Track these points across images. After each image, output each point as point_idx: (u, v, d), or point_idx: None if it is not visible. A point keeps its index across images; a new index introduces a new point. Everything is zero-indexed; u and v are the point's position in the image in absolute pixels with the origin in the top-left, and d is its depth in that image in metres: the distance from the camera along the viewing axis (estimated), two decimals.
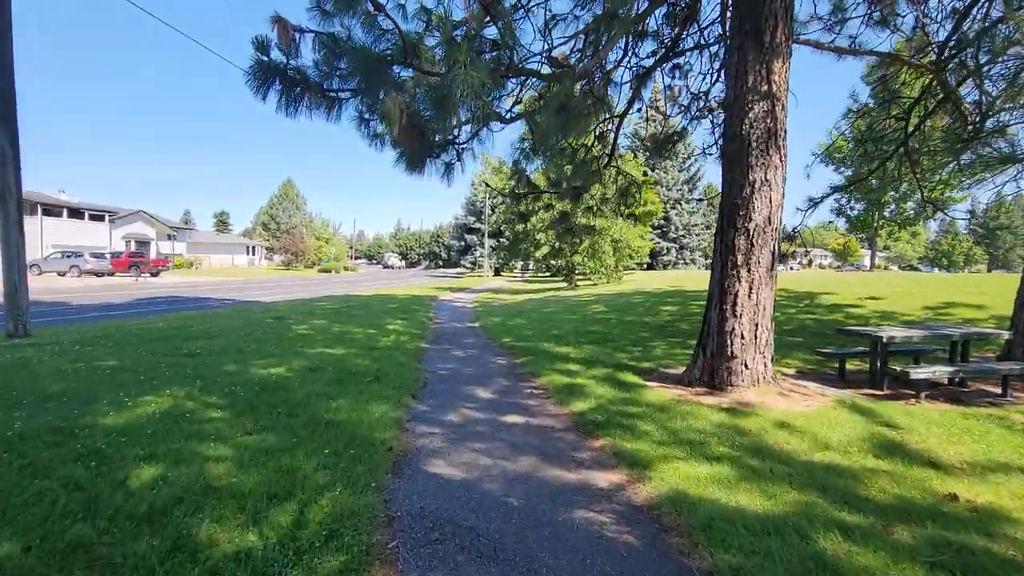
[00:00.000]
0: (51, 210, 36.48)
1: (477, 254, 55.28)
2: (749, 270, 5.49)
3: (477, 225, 56.04)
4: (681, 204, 44.85)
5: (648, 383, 5.96)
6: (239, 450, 3.34)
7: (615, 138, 7.84)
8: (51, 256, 31.80)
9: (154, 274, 36.05)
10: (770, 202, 5.47)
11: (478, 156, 5.61)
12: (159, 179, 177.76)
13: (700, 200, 40.54)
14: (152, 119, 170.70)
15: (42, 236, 34.05)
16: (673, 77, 9.28)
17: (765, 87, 5.44)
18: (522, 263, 64.69)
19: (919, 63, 8.47)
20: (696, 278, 27.07)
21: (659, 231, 43.09)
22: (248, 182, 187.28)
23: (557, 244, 21.78)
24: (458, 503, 2.90)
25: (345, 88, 4.53)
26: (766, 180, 5.44)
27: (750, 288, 5.50)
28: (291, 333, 8.96)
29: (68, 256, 31.58)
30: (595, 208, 8.42)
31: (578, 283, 24.35)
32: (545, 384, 5.88)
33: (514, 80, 5.44)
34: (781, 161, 5.54)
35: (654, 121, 10.25)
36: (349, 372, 5.92)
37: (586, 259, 21.60)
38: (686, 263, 47.26)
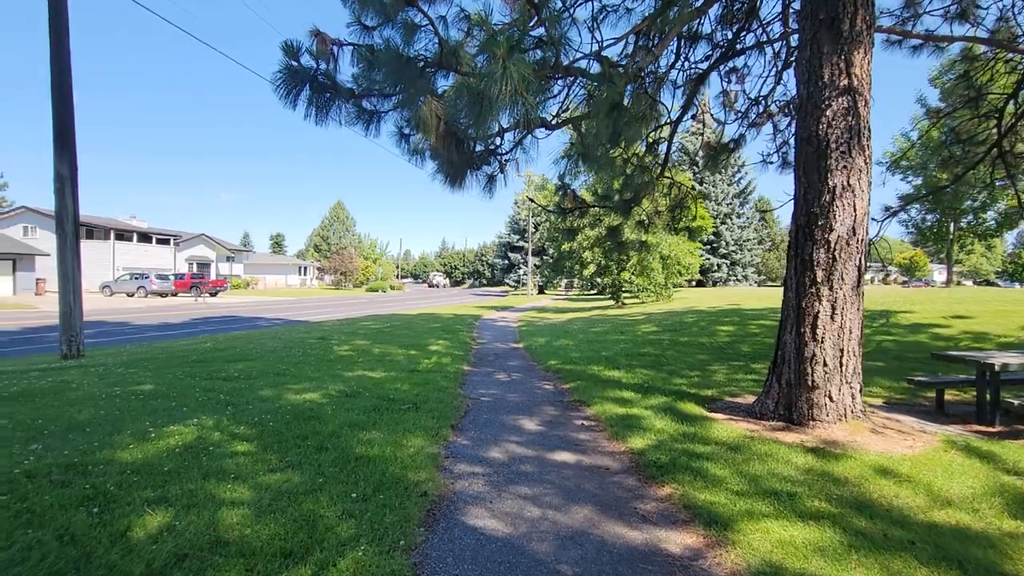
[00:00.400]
0: (123, 234, 39.02)
1: (521, 272, 55.07)
2: (831, 288, 4.81)
3: (520, 243, 55.96)
4: (732, 219, 43.14)
5: (713, 415, 5.32)
6: (259, 492, 3.00)
7: (668, 146, 7.31)
8: (121, 278, 33.86)
9: (213, 294, 37.74)
10: (854, 210, 4.80)
11: (522, 167, 5.24)
12: (220, 203, 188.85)
13: (763, 213, 38.78)
14: (214, 150, 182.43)
15: (114, 259, 36.38)
16: (729, 81, 8.71)
17: (845, 81, 4.82)
18: (566, 281, 64.02)
19: (1016, 47, 7.53)
20: (752, 295, 25.69)
21: (709, 247, 41.55)
22: (303, 205, 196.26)
23: (604, 261, 21.13)
24: (501, 570, 2.43)
25: (381, 94, 4.27)
26: (848, 185, 4.79)
27: (833, 308, 4.81)
28: (332, 355, 8.79)
29: (136, 278, 33.52)
30: (646, 222, 7.86)
31: (625, 301, 23.53)
32: (597, 415, 5.34)
33: (560, 82, 5.06)
34: (866, 163, 4.88)
35: (708, 128, 9.65)
36: (387, 399, 5.58)
37: (634, 276, 20.82)
38: (738, 280, 45.26)
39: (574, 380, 7.21)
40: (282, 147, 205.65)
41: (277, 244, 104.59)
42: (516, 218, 58.12)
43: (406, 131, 6.04)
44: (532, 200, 8.44)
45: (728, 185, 42.83)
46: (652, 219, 8.04)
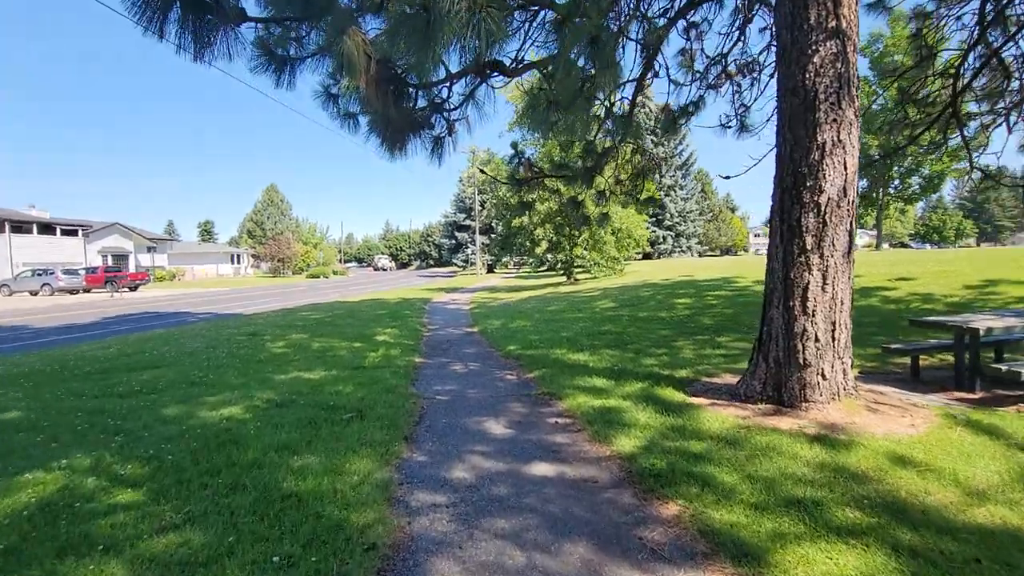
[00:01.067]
0: (20, 226, 34.78)
1: (468, 252, 54.06)
2: (822, 255, 4.36)
3: (468, 222, 54.80)
4: (675, 191, 43.83)
5: (696, 400, 4.84)
6: (137, 569, 2.16)
7: (631, 107, 6.68)
8: (21, 275, 30.23)
9: (132, 288, 34.48)
10: (845, 168, 4.34)
11: (475, 129, 4.44)
12: (139, 192, 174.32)
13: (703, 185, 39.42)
14: (130, 129, 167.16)
15: (11, 254, 32.41)
16: (688, 38, 8.17)
17: (833, 23, 4.30)
18: (516, 260, 63.59)
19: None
20: (702, 266, 26.05)
21: (655, 219, 42.09)
22: (233, 191, 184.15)
23: (555, 237, 20.60)
24: None
25: (288, 19, 3.33)
26: (839, 140, 4.32)
27: (824, 278, 4.37)
28: (263, 354, 7.74)
29: (39, 274, 30.01)
30: (607, 192, 7.27)
31: (578, 277, 23.22)
32: (571, 410, 4.73)
33: (519, 16, 4.26)
34: (855, 116, 4.42)
35: (650, 99, 9.16)
36: (326, 406, 4.74)
37: (587, 251, 20.45)
38: (682, 251, 46.34)
39: (538, 367, 6.59)
40: (208, 128, 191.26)
41: (206, 232, 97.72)
42: (462, 196, 56.70)
43: (333, 90, 5.08)
44: (483, 171, 7.61)
45: (671, 157, 43.36)
46: (613, 189, 7.45)
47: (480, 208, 48.67)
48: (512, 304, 16.01)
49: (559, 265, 22.25)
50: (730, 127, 8.79)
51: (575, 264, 21.25)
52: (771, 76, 8.04)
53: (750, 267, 20.27)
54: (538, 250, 20.14)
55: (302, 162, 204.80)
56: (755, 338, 4.97)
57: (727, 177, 7.44)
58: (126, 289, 34.03)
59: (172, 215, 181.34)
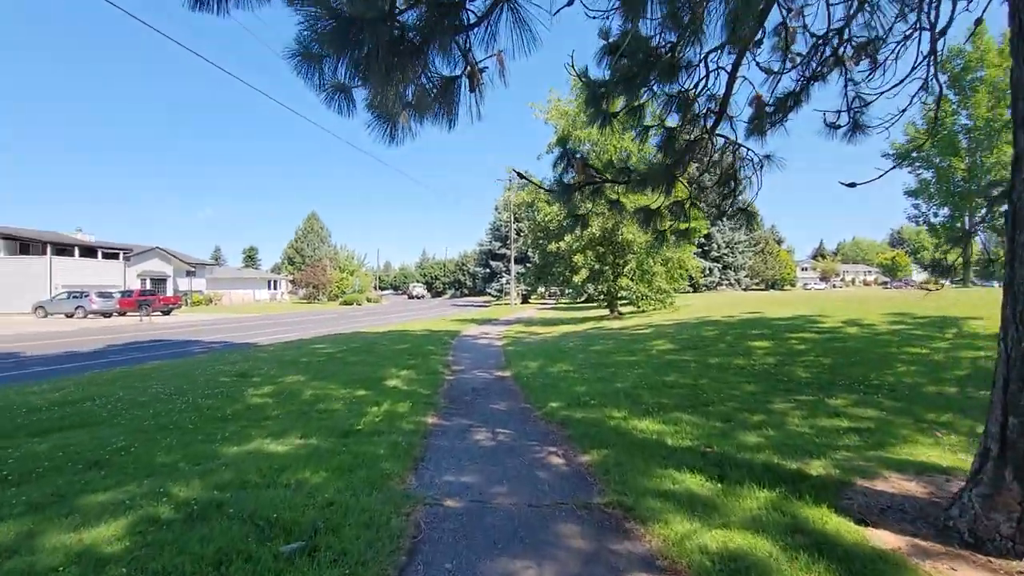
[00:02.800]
0: (64, 249, 35.40)
1: (503, 281, 52.51)
2: None
3: (502, 251, 53.47)
4: (722, 220, 41.24)
5: (881, 537, 2.82)
6: None
7: (728, 89, 4.86)
8: (58, 297, 30.31)
9: (166, 312, 34.27)
10: None
11: (512, 67, 2.70)
12: (192, 221, 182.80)
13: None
14: (182, 162, 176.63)
15: (51, 276, 32.76)
16: (788, 11, 6.33)
17: None
18: (552, 290, 61.65)
19: None
20: (766, 301, 23.43)
21: (700, 250, 39.54)
22: (280, 219, 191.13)
23: (597, 265, 18.64)
24: None
25: None
26: None
27: None
28: (235, 406, 6.06)
29: (74, 296, 30.01)
30: (688, 203, 5.40)
31: (622, 311, 21.10)
32: (668, 552, 2.75)
33: None
34: None
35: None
36: (264, 522, 2.93)
37: (633, 282, 18.37)
38: (730, 284, 43.36)
39: (595, 444, 4.63)
40: (257, 159, 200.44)
41: (250, 258, 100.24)
42: (497, 223, 55.57)
43: (315, 48, 3.47)
44: (521, 175, 5.94)
45: (765, 160, 40.98)
46: (696, 198, 5.58)
47: (516, 236, 47.28)
48: (550, 341, 14.06)
49: (601, 297, 20.19)
50: (839, 126, 6.81)
51: (619, 296, 19.16)
52: (897, 58, 6.06)
53: (825, 303, 17.74)
54: (576, 278, 18.18)
55: (343, 191, 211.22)
56: (984, 438, 2.91)
57: (852, 184, 5.42)
58: (160, 313, 33.86)
59: (221, 242, 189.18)
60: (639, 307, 19.20)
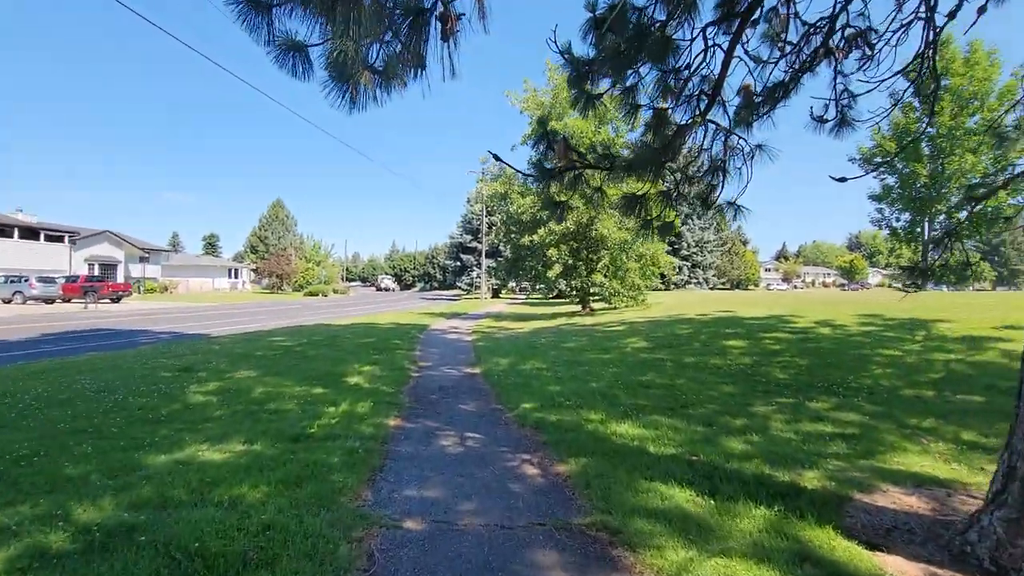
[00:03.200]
0: (1, 230, 32.96)
1: (474, 275, 51.93)
2: None
3: (474, 244, 52.87)
4: (692, 219, 41.71)
5: (894, 564, 2.51)
6: None
7: (723, 70, 4.51)
8: None
9: (115, 300, 32.38)
10: None
11: (488, 13, 2.24)
12: (149, 205, 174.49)
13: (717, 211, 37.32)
14: (141, 143, 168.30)
15: None
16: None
17: None
18: (522, 284, 61.31)
19: None
20: (738, 300, 23.57)
21: (671, 248, 39.89)
22: (243, 206, 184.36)
23: (571, 260, 18.33)
24: None
25: None
26: None
27: None
28: (172, 405, 5.43)
29: (13, 281, 27.99)
30: (675, 193, 5.06)
31: (593, 307, 20.90)
32: None
33: None
34: None
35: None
36: (184, 551, 2.43)
37: (606, 279, 18.14)
38: (699, 282, 43.96)
39: (573, 451, 4.26)
40: (221, 143, 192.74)
41: (211, 245, 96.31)
42: (469, 216, 54.87)
43: None
44: (498, 157, 5.42)
45: (689, 185, 41.40)
46: (680, 188, 5.24)
47: (487, 229, 46.74)
48: (522, 337, 13.68)
49: (574, 292, 19.92)
50: (827, 120, 6.60)
51: (591, 292, 18.92)
52: (896, 45, 5.87)
53: (794, 304, 17.92)
54: (550, 273, 17.82)
55: (310, 177, 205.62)
56: (1007, 455, 2.64)
57: (842, 179, 5.18)
58: (107, 300, 31.97)
59: (181, 228, 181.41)
60: (611, 304, 19.03)
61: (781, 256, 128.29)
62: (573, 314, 19.95)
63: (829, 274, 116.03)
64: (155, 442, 4.14)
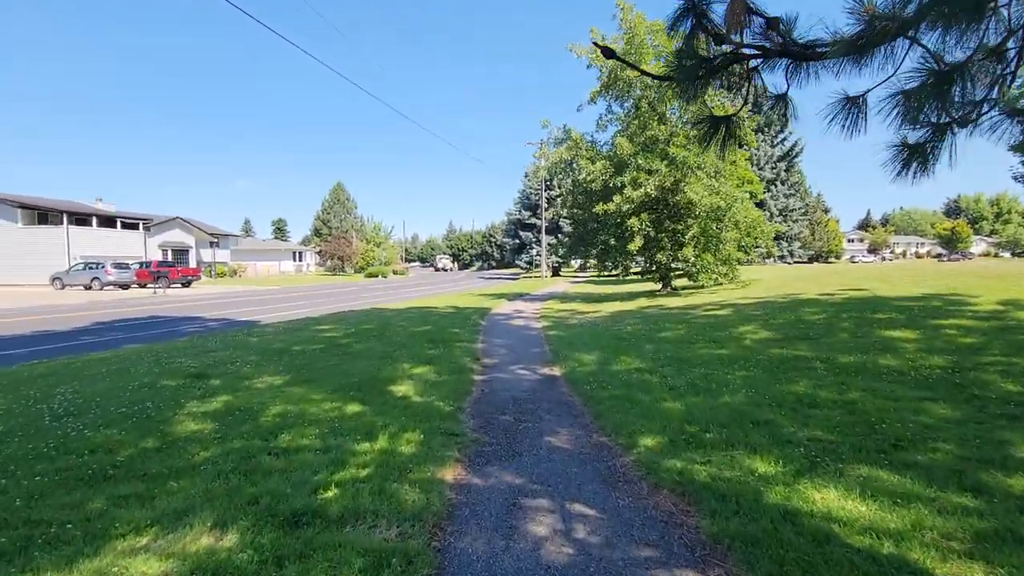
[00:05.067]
0: (83, 219, 34.39)
1: (533, 252, 49.93)
2: None
3: (532, 220, 50.68)
4: (776, 185, 37.40)
5: None
6: None
7: None
8: (74, 268, 29.29)
9: (185, 284, 33.12)
10: None
11: None
12: (224, 193, 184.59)
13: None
14: (214, 133, 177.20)
15: (68, 246, 31.79)
16: None
17: None
18: (581, 263, 58.79)
19: None
20: (855, 274, 20.19)
21: None
22: (309, 191, 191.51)
23: (653, 232, 15.86)
24: None
25: None
26: None
27: None
28: (142, 442, 3.86)
29: (91, 267, 28.92)
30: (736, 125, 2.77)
31: (674, 286, 18.36)
32: None
33: None
34: None
35: None
36: None
37: (698, 252, 15.50)
38: (783, 255, 39.69)
39: (759, 550, 2.23)
40: (287, 129, 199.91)
41: (279, 230, 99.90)
42: (527, 192, 52.58)
43: None
44: (611, 54, 3.56)
45: (771, 146, 37.06)
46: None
47: (547, 204, 44.42)
48: (600, 323, 11.59)
49: (654, 269, 17.41)
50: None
51: (675, 268, 16.33)
52: None
53: (940, 278, 14.62)
54: (631, 246, 15.40)
55: (371, 161, 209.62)
56: None
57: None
58: (179, 284, 32.72)
59: (254, 214, 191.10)
60: (698, 281, 16.40)
61: (865, 225, 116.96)
62: (653, 294, 17.53)
63: (923, 243, 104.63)
64: (61, 534, 2.50)
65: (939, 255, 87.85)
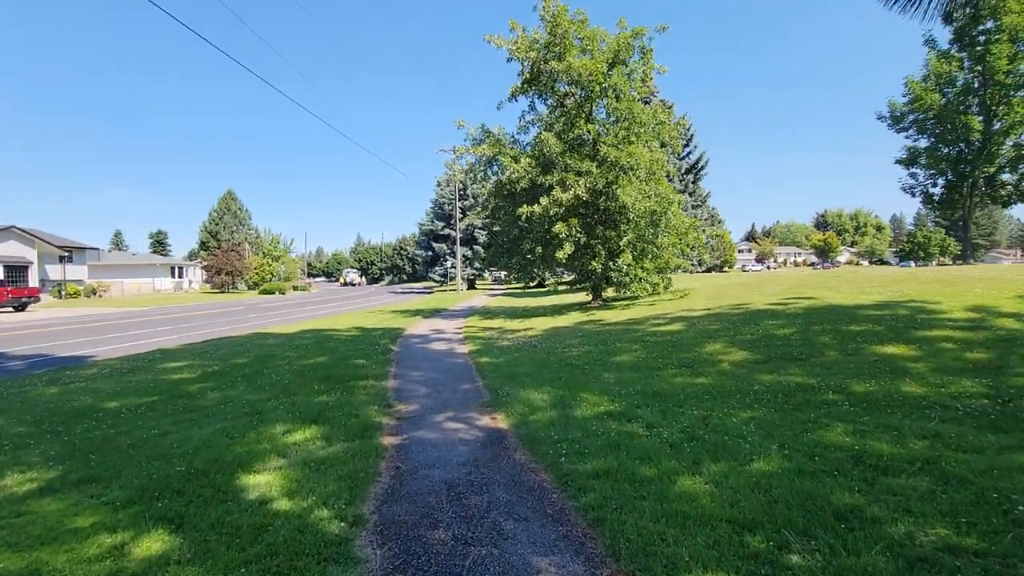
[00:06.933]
0: None
1: (447, 265, 47.61)
2: None
3: (446, 231, 48.46)
4: (684, 196, 38.41)
5: None
6: None
7: None
8: None
9: (19, 308, 26.97)
10: None
11: None
12: (94, 201, 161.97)
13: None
14: (81, 138, 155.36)
15: None
16: None
17: None
18: (495, 274, 57.21)
19: None
20: (785, 280, 19.94)
21: None
22: (194, 199, 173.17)
23: (584, 239, 14.45)
24: None
25: None
26: None
27: None
28: None
29: None
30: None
31: (604, 297, 17.15)
32: None
33: None
34: None
35: None
36: None
37: (633, 262, 14.26)
38: (693, 264, 40.83)
39: None
40: (165, 137, 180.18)
41: (159, 243, 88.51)
42: (440, 202, 50.22)
43: None
44: None
45: (680, 159, 38.17)
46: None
47: (461, 215, 42.54)
48: (536, 344, 9.80)
49: (587, 278, 15.94)
50: None
51: (610, 277, 14.97)
52: None
53: (863, 283, 14.54)
54: (560, 254, 13.77)
55: (265, 164, 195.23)
56: None
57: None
58: (9, 308, 26.53)
59: (127, 225, 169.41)
60: (631, 291, 15.25)
61: (751, 236, 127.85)
62: (585, 307, 16.13)
63: (800, 253, 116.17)
64: None
65: (813, 264, 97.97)
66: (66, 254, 38.31)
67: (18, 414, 5.18)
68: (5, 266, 32.42)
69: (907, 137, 21.92)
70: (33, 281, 33.91)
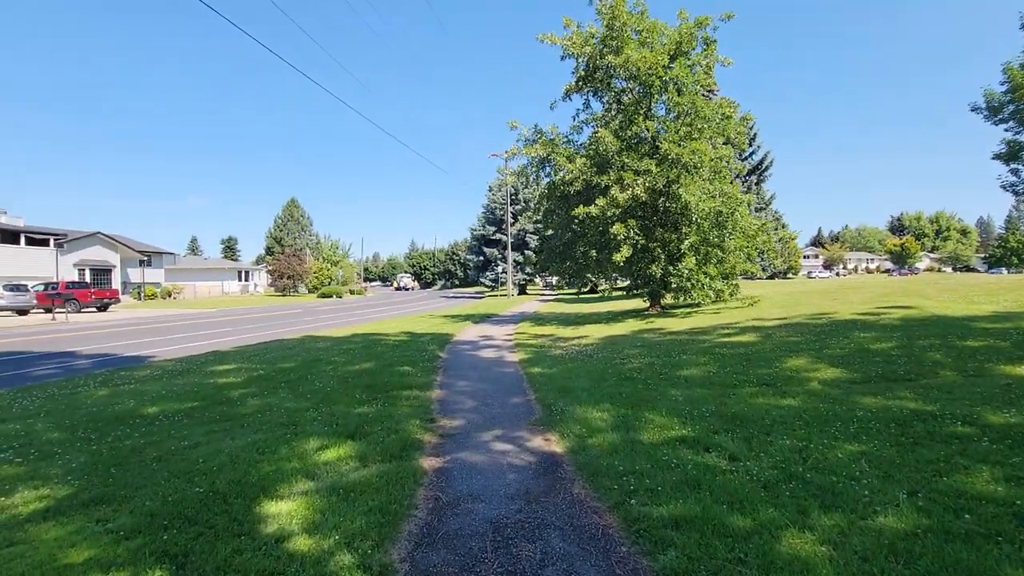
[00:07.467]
0: None
1: (499, 270, 47.45)
2: None
3: (497, 236, 48.32)
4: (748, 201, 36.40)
5: None
6: None
7: None
8: None
9: (101, 308, 28.94)
10: None
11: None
12: (175, 210, 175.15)
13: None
14: (160, 151, 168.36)
15: None
16: None
17: None
18: (546, 280, 56.48)
19: None
20: (867, 288, 18.30)
21: None
22: (263, 208, 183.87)
23: (643, 241, 13.63)
24: None
25: None
26: None
27: None
28: None
29: None
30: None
31: (664, 304, 16.16)
32: None
33: None
34: None
35: None
36: None
37: (695, 267, 13.27)
38: (760, 271, 38.59)
39: None
40: (240, 143, 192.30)
41: (229, 248, 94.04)
42: (491, 207, 50.21)
43: None
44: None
45: (743, 159, 36.19)
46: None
47: (512, 220, 42.24)
48: (592, 354, 9.12)
49: (646, 283, 15.03)
50: None
51: (670, 283, 13.99)
52: None
53: (958, 291, 12.91)
54: (617, 257, 12.96)
55: (328, 177, 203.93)
56: None
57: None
58: (93, 308, 28.53)
59: (201, 231, 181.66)
60: (692, 298, 14.17)
61: (818, 242, 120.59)
62: (643, 314, 15.25)
63: (873, 259, 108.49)
64: None
65: (888, 270, 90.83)
66: (145, 258, 41.02)
67: (58, 418, 5.10)
68: (92, 269, 35.07)
69: (1007, 130, 19.58)
70: (115, 283, 36.43)
